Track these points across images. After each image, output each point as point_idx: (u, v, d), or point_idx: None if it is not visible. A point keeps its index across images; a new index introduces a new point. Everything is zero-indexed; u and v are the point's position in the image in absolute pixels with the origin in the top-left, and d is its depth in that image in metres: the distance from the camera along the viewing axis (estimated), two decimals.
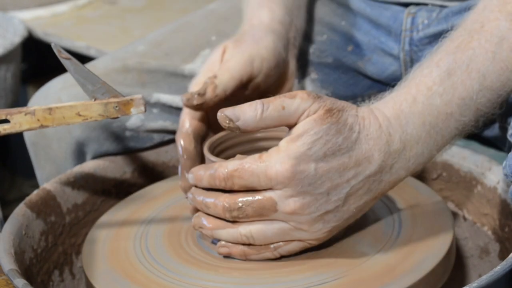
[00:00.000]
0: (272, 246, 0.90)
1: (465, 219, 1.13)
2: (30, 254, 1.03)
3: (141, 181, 1.20)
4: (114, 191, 1.18)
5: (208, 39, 1.24)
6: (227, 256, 0.93)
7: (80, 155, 1.19)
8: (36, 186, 1.21)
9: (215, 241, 0.94)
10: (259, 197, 0.86)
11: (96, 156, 1.19)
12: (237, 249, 0.91)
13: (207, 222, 0.91)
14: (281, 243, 0.90)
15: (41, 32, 2.03)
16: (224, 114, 0.85)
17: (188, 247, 0.99)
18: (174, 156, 1.22)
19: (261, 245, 0.90)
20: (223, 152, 1.01)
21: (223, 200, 0.88)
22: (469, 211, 1.12)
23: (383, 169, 0.87)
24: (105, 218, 1.08)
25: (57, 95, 1.18)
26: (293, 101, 0.85)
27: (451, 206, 1.13)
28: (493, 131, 1.17)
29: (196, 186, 0.92)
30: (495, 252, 1.08)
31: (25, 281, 0.90)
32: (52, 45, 0.93)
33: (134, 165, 1.20)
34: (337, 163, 0.85)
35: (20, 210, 1.06)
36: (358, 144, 0.86)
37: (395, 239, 0.96)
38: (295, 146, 0.85)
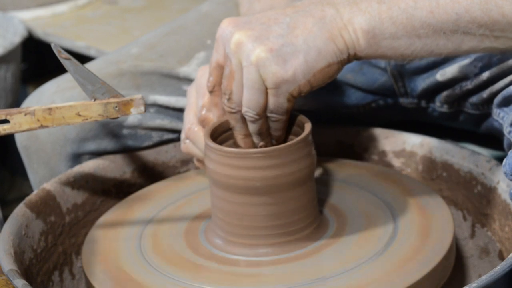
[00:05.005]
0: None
1: (465, 219, 1.13)
2: (30, 254, 1.03)
3: (141, 181, 1.20)
4: (114, 191, 1.18)
5: (203, 42, 1.23)
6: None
7: (75, 157, 1.18)
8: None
9: None
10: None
11: (94, 155, 1.18)
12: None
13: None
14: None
15: (41, 32, 2.03)
16: None
17: (188, 247, 0.99)
18: (174, 155, 1.22)
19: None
20: (226, 140, 1.01)
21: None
22: (469, 211, 1.12)
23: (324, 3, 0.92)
24: (105, 218, 1.08)
25: (51, 98, 1.17)
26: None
27: (451, 206, 1.13)
28: (488, 124, 1.16)
29: None
30: (495, 252, 1.08)
31: (24, 282, 0.90)
32: (52, 45, 0.93)
33: (134, 165, 1.20)
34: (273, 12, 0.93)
35: (20, 210, 1.06)
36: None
37: (395, 239, 0.96)
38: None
